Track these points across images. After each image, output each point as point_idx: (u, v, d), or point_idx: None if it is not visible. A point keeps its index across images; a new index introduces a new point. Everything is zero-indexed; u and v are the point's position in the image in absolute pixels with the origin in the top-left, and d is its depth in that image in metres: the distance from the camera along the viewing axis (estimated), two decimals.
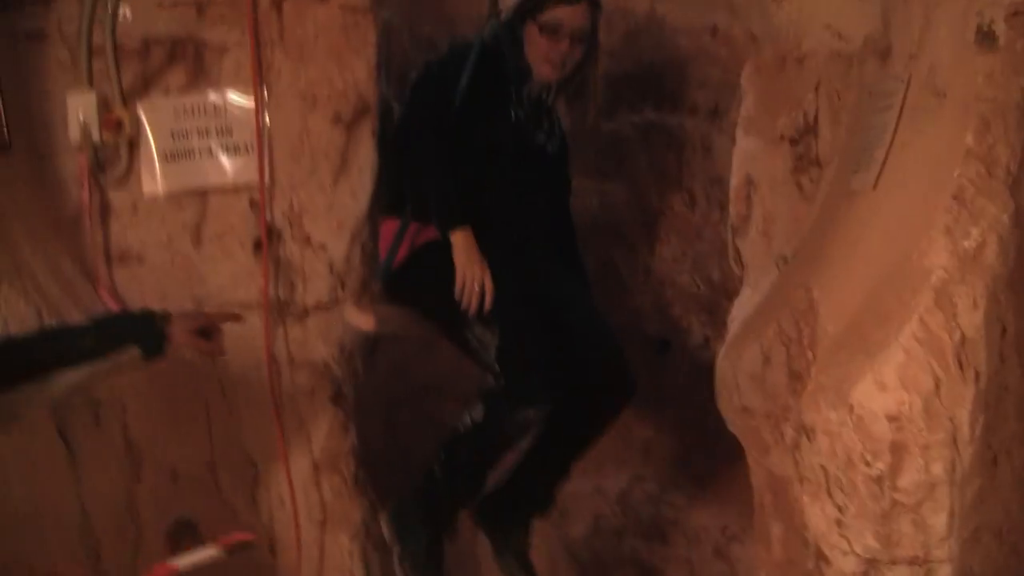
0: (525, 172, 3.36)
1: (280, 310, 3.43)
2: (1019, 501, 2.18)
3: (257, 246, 3.41)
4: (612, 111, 3.99)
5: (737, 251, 3.17)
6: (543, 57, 3.23)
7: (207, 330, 2.67)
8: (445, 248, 3.09)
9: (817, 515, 2.23)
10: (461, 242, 3.07)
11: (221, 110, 3.40)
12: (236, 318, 2.90)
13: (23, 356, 2.47)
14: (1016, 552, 2.20)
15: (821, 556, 2.24)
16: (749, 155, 3.09)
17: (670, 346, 4.06)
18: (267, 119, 3.38)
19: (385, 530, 3.17)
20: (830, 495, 2.19)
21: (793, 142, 2.92)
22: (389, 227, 3.30)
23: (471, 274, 3.03)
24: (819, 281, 2.43)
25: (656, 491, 4.06)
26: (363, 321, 3.26)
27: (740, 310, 2.99)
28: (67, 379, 2.49)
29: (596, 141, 3.98)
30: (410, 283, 3.27)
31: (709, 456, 3.85)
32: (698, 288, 4.03)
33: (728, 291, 3.56)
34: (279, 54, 3.37)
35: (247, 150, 3.40)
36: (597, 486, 4.03)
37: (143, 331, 2.57)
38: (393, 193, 3.36)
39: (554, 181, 3.51)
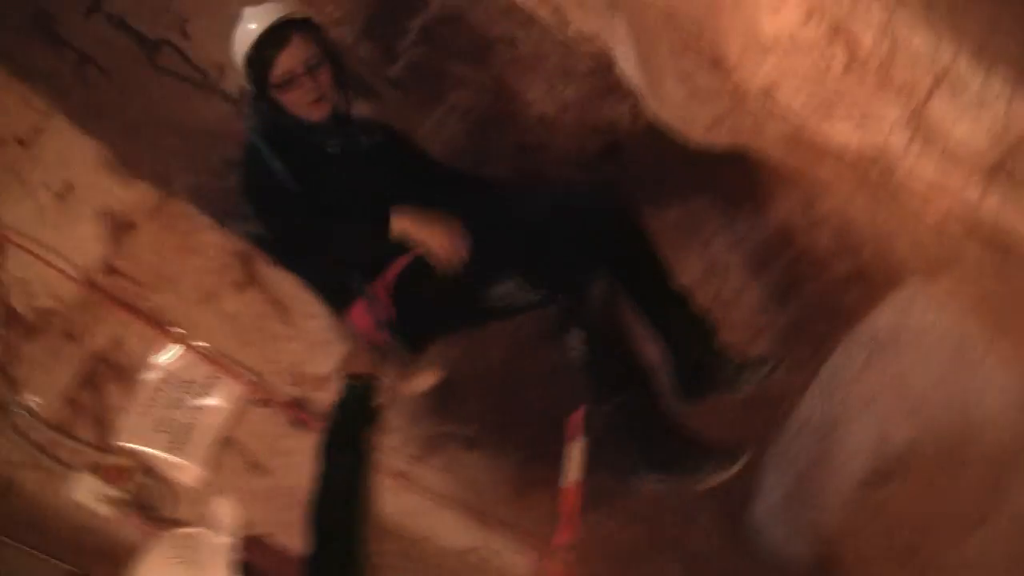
0: (376, 179, 3.33)
1: None
2: None
3: None
4: None
5: None
6: (304, 104, 3.24)
7: None
8: (411, 267, 3.10)
9: None
10: (405, 221, 3.06)
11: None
12: None
13: None
14: None
15: None
16: None
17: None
18: None
19: None
20: None
21: None
22: (357, 312, 3.23)
23: (437, 237, 3.05)
24: None
25: None
26: (428, 378, 3.24)
27: None
28: None
29: None
30: (420, 316, 3.21)
31: None
32: None
33: None
34: None
35: None
36: None
37: None
38: (328, 288, 3.32)
39: (405, 161, 3.47)
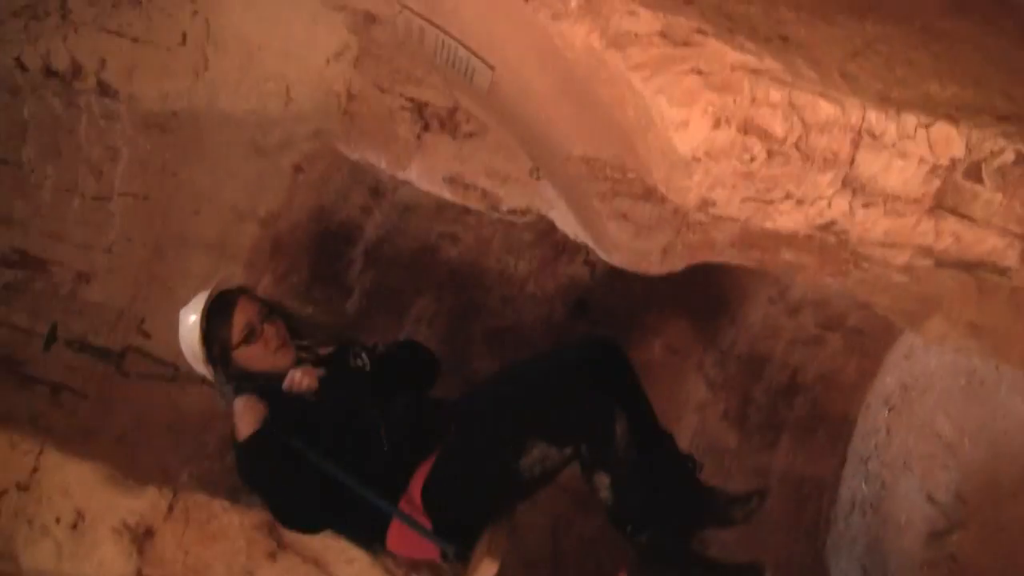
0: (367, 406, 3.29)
1: None
2: None
3: None
4: None
5: None
6: (269, 353, 3.28)
7: None
8: (435, 471, 3.09)
9: None
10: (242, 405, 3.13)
11: None
12: None
13: None
14: None
15: None
16: None
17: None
18: None
19: None
20: None
21: None
22: (395, 538, 3.18)
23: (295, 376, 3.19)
24: None
25: None
26: (489, 570, 3.07)
27: None
28: None
29: None
30: (460, 514, 3.14)
31: None
32: None
33: None
34: None
35: None
36: None
37: None
38: (359, 527, 3.26)
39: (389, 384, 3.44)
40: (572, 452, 3.01)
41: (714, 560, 3.13)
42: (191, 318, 3.28)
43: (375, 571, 3.30)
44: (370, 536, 3.24)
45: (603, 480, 3.00)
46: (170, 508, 3.34)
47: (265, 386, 3.23)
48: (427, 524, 3.08)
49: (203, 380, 3.45)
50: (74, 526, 3.32)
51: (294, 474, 3.06)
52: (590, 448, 3.00)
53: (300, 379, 3.23)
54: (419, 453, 3.15)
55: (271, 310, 3.37)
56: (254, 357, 3.27)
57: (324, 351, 3.47)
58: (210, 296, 3.28)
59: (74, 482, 3.37)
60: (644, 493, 3.05)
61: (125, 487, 3.36)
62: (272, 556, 3.30)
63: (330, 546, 3.32)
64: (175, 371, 3.32)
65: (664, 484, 3.14)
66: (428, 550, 3.15)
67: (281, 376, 3.26)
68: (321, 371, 3.29)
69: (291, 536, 3.34)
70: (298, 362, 3.33)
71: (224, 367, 3.28)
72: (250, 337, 3.25)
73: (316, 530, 3.24)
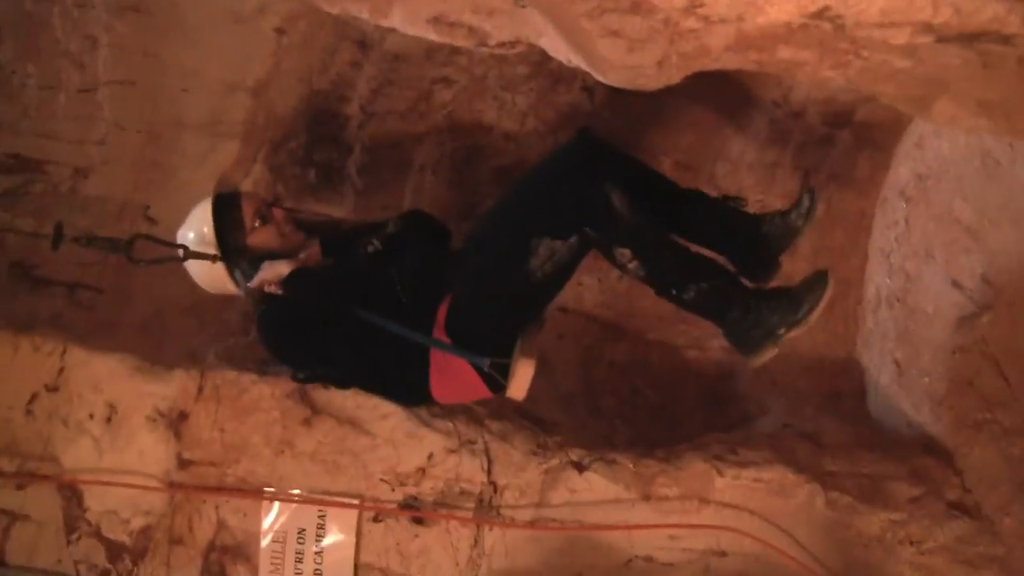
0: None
1: None
2: None
3: None
4: None
5: None
6: (282, 234, 3.32)
7: None
8: (459, 292, 3.10)
9: None
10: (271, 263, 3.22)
11: None
12: None
13: None
14: None
15: None
16: None
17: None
18: None
19: None
20: None
21: None
22: (439, 386, 3.21)
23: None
24: None
25: None
26: (527, 369, 3.05)
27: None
28: None
29: None
30: (488, 330, 3.13)
31: None
32: None
33: None
34: None
35: None
36: None
37: None
38: (399, 384, 3.30)
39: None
40: (579, 240, 2.96)
41: (776, 288, 3.06)
42: (199, 217, 3.28)
43: (410, 424, 3.33)
44: (412, 383, 3.24)
45: (624, 254, 2.95)
46: (200, 389, 3.36)
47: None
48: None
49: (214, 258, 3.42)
50: (108, 420, 3.36)
51: (334, 304, 3.15)
52: (595, 229, 2.94)
53: (314, 252, 3.32)
54: (437, 299, 3.15)
55: (274, 200, 3.47)
56: (269, 237, 3.29)
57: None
58: (214, 196, 3.29)
59: (102, 376, 3.40)
60: (673, 250, 3.02)
61: (153, 375, 3.38)
62: (307, 422, 3.32)
63: (362, 404, 3.35)
64: (187, 251, 3.28)
65: (709, 231, 3.15)
66: (473, 387, 3.16)
67: (293, 254, 3.30)
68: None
69: (323, 399, 3.37)
70: (309, 239, 3.39)
71: (240, 253, 3.27)
72: (264, 220, 3.28)
73: (347, 381, 3.32)
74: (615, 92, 3.12)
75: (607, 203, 2.91)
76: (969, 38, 2.22)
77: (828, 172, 3.85)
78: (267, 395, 3.35)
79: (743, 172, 3.91)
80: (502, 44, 3.11)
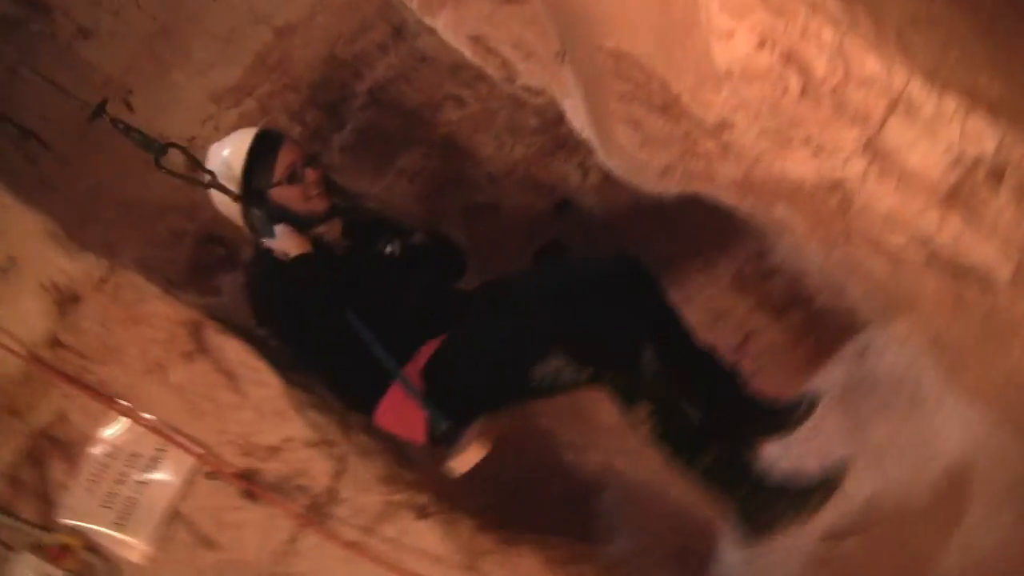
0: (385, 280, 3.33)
1: None
2: None
3: None
4: None
5: None
6: (308, 197, 3.27)
7: None
8: (444, 349, 3.09)
9: None
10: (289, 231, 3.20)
11: None
12: None
13: None
14: None
15: None
16: None
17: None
18: None
19: None
20: None
21: None
22: (384, 411, 3.18)
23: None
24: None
25: None
26: (476, 452, 3.04)
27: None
28: None
29: None
30: (459, 397, 3.09)
31: None
32: None
33: None
34: None
35: None
36: None
37: None
38: (354, 386, 3.26)
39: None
40: (589, 375, 2.93)
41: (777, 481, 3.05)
42: (225, 151, 3.27)
43: (283, 402, 3.26)
44: (363, 396, 3.22)
45: (643, 409, 2.91)
46: (102, 280, 3.26)
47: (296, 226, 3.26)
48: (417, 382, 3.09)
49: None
50: (4, 270, 3.25)
51: (326, 302, 3.12)
52: (616, 374, 2.92)
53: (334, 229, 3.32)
54: (428, 332, 3.15)
55: (314, 157, 3.38)
56: (292, 198, 3.26)
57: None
58: (258, 131, 3.27)
59: (16, 228, 3.30)
60: (693, 417, 2.98)
61: (64, 247, 3.28)
62: (188, 356, 3.24)
63: (246, 362, 3.27)
64: (211, 181, 3.24)
65: (711, 402, 3.10)
66: (414, 429, 3.13)
67: (311, 222, 3.28)
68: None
69: (214, 343, 3.29)
70: (333, 212, 3.35)
71: (259, 201, 3.24)
72: (292, 178, 3.24)
73: (315, 363, 3.31)
74: (609, 180, 3.13)
75: (640, 360, 2.89)
76: (955, 270, 2.25)
77: (767, 343, 3.88)
78: (162, 314, 3.26)
79: (694, 307, 3.90)
80: (527, 89, 3.13)
